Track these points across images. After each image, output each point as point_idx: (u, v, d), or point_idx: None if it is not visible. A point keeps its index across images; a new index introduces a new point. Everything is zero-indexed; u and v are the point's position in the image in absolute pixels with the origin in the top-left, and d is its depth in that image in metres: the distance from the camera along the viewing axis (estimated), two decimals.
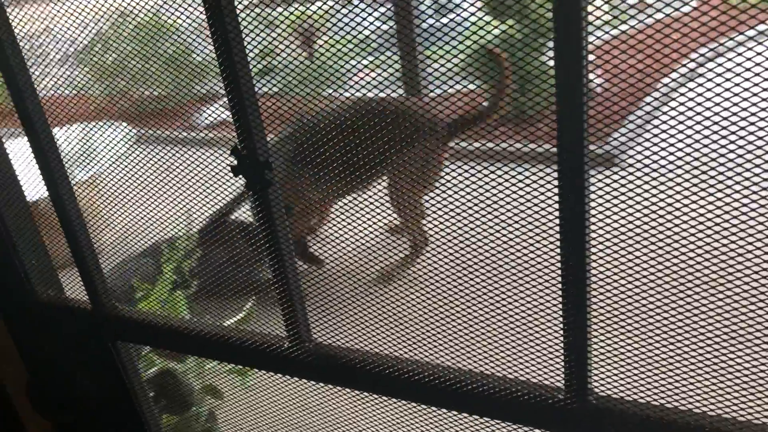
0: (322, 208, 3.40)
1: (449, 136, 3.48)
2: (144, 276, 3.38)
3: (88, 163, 4.01)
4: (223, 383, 2.67)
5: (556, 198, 1.14)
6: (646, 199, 1.25)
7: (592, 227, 1.18)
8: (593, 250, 1.17)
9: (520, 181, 1.35)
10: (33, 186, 1.79)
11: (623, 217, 1.25)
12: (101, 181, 3.87)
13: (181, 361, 2.59)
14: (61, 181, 1.60)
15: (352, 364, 1.49)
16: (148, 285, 2.88)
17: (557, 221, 1.16)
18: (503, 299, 1.42)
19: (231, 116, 1.40)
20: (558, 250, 1.18)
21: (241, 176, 1.44)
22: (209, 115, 5.13)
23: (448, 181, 1.51)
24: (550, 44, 1.05)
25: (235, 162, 1.44)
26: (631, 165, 1.32)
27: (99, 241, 1.79)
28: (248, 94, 1.38)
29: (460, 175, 1.49)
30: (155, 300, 2.82)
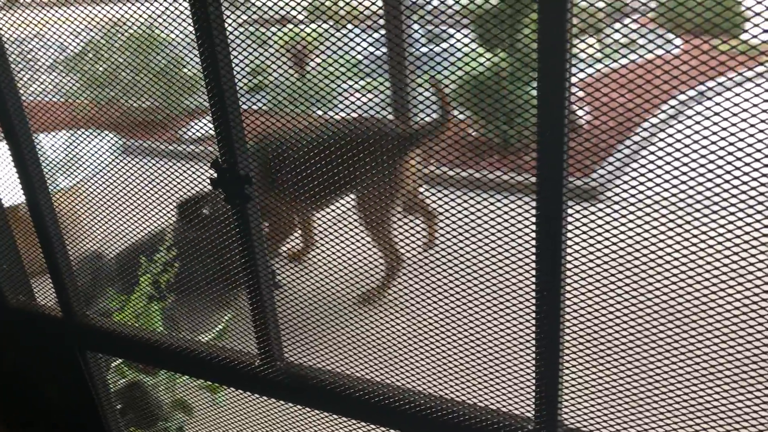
0: (289, 221, 3.46)
1: (404, 151, 3.53)
2: (120, 284, 3.34)
3: (72, 171, 3.98)
4: (193, 399, 2.63)
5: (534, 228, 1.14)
6: (622, 233, 1.24)
7: (569, 258, 1.17)
8: (569, 281, 1.17)
9: (501, 210, 1.35)
10: (9, 191, 1.77)
11: (599, 250, 1.25)
12: (84, 190, 3.83)
13: (152, 374, 2.54)
14: (39, 188, 1.58)
15: (323, 386, 1.47)
16: (124, 296, 2.84)
17: (533, 252, 1.15)
18: (477, 326, 1.41)
19: (213, 129, 1.39)
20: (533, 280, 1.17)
21: (220, 190, 1.43)
22: (196, 129, 5.13)
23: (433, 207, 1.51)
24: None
25: (216, 175, 1.42)
26: (610, 199, 1.32)
27: (76, 249, 1.77)
28: (232, 108, 1.37)
29: (441, 200, 1.48)
30: (130, 312, 2.78)
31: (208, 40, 1.31)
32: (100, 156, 4.01)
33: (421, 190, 3.63)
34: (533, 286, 1.18)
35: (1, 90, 1.52)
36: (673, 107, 4.27)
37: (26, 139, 1.59)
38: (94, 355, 1.75)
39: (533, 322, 1.19)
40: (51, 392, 1.78)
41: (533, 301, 1.18)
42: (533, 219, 1.15)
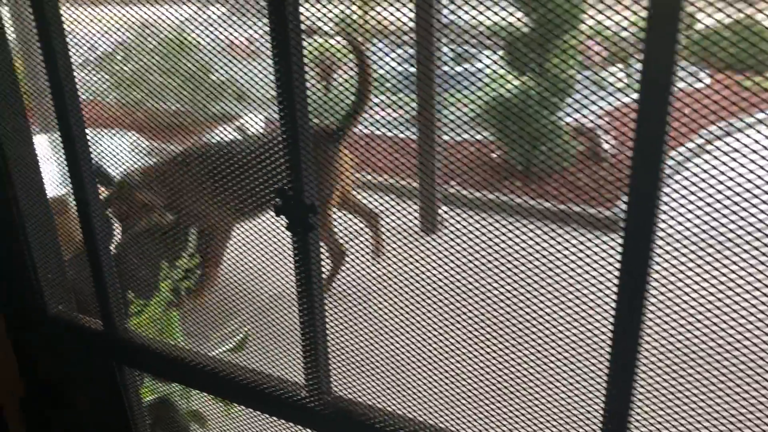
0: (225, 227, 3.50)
1: (336, 141, 3.57)
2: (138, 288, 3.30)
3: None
4: (207, 410, 2.59)
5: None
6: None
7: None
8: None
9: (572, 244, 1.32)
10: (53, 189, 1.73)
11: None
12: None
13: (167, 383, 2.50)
14: (91, 196, 1.54)
15: (372, 424, 1.43)
16: (143, 301, 2.80)
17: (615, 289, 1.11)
18: (547, 373, 1.37)
19: (282, 155, 1.36)
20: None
21: (282, 216, 1.39)
22: (220, 135, 5.08)
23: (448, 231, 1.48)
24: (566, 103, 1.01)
25: (280, 202, 1.39)
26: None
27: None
28: (303, 134, 1.34)
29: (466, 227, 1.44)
30: (148, 317, 2.74)
31: (286, 76, 1.28)
32: (125, 156, 3.97)
33: (354, 192, 3.67)
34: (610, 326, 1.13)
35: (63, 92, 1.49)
36: (696, 140, 4.25)
37: (82, 141, 1.55)
38: (131, 371, 1.71)
39: (606, 373, 1.16)
40: (84, 404, 1.74)
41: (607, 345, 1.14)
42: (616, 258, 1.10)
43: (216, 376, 1.58)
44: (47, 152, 2.17)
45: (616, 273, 1.08)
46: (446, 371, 1.55)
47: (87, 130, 1.78)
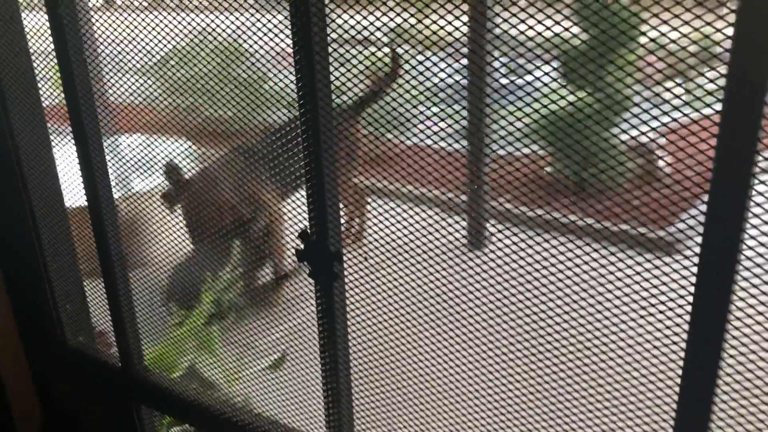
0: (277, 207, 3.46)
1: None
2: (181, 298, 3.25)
3: (149, 175, 3.90)
4: None
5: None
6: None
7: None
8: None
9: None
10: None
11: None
12: (157, 194, 3.75)
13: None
14: (111, 235, 1.46)
15: None
16: (184, 311, 2.74)
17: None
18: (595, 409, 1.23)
19: (307, 198, 1.25)
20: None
21: (305, 263, 1.29)
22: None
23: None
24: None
25: (302, 246, 1.28)
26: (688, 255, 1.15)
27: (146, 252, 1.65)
28: (329, 177, 1.23)
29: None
30: (188, 330, 2.67)
31: (313, 124, 1.17)
32: (176, 162, 3.94)
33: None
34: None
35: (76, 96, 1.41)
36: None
37: (101, 167, 1.47)
38: (149, 411, 1.63)
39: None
40: None
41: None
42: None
43: (235, 425, 1.48)
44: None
45: (686, 299, 0.97)
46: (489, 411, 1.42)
47: (140, 135, 1.73)
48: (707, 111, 1.18)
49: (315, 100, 1.18)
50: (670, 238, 1.33)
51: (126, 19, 1.80)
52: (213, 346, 2.64)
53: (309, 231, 1.27)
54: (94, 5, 1.68)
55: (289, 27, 1.21)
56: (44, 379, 1.72)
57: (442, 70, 1.34)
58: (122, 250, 1.48)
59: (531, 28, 1.16)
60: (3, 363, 1.67)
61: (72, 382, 1.70)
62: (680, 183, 1.14)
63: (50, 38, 1.45)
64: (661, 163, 4.31)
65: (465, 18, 1.39)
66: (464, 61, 1.64)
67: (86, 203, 1.49)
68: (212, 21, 1.68)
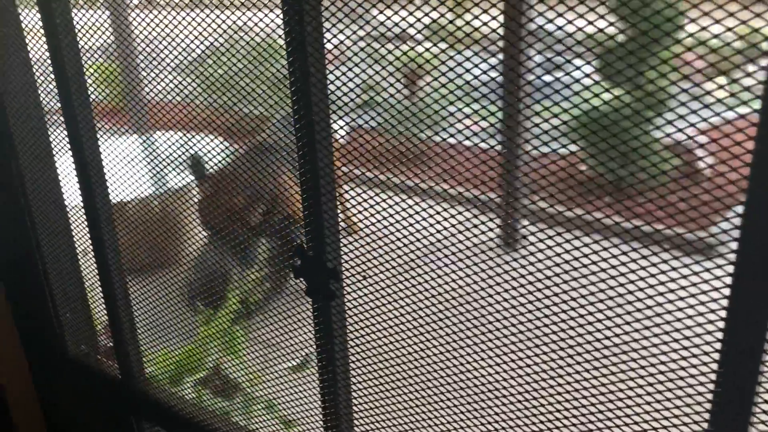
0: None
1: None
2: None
3: (182, 172, 3.87)
4: None
5: None
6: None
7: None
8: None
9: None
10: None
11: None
12: (192, 191, 3.71)
13: None
14: (109, 246, 1.39)
15: None
16: (210, 311, 2.70)
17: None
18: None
19: (303, 213, 1.17)
20: None
21: (301, 279, 1.20)
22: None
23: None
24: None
25: (298, 262, 1.19)
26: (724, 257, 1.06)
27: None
28: (326, 190, 1.14)
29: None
30: (215, 329, 2.63)
31: (309, 134, 1.09)
32: (211, 160, 3.91)
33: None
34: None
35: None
36: None
37: (97, 171, 1.41)
38: (151, 425, 1.57)
39: None
40: None
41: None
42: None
43: None
44: (137, 153, 2.05)
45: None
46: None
47: (175, 134, 1.69)
48: (747, 110, 1.08)
49: (310, 115, 1.09)
50: (709, 241, 1.25)
51: (160, 16, 1.75)
52: (238, 347, 2.58)
53: (305, 246, 1.18)
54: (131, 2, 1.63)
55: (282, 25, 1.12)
56: (46, 389, 1.67)
57: (475, 65, 1.24)
58: (120, 258, 1.42)
59: (570, 22, 1.08)
60: (5, 372, 1.63)
61: (73, 392, 1.65)
62: (718, 184, 1.05)
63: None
64: (700, 163, 4.12)
65: (499, 13, 1.29)
66: (499, 58, 1.54)
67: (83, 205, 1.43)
68: (247, 18, 1.62)
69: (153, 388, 1.50)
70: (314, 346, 1.24)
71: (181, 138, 2.06)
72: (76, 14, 1.45)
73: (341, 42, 1.24)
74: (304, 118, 1.08)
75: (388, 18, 1.16)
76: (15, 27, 1.46)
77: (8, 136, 1.51)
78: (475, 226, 1.40)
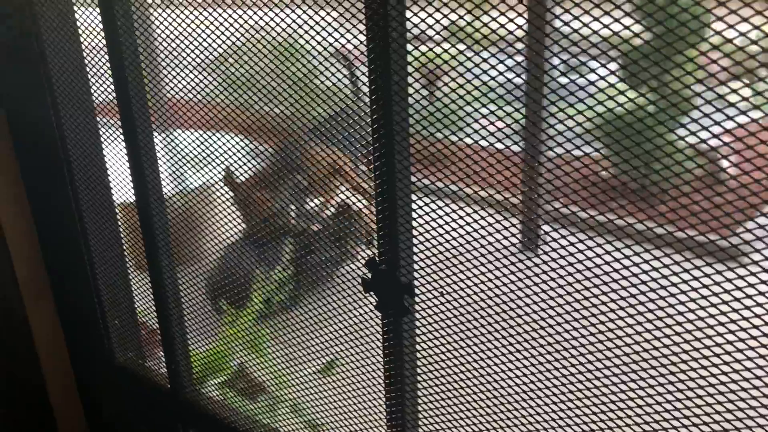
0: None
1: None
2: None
3: (202, 170, 3.80)
4: None
5: None
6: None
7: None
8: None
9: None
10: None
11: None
12: (213, 191, 3.64)
13: None
14: (163, 254, 1.32)
15: None
16: (235, 310, 2.63)
17: None
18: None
19: (377, 223, 1.09)
20: None
21: (372, 293, 1.13)
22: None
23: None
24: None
25: (369, 275, 1.12)
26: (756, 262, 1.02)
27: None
28: (403, 201, 1.07)
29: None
30: (240, 329, 2.57)
31: (387, 144, 1.02)
32: (231, 159, 3.85)
33: None
34: None
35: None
36: None
37: (151, 165, 1.34)
38: None
39: None
40: None
41: None
42: None
43: None
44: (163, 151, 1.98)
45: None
46: None
47: (196, 132, 1.63)
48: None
49: (391, 123, 1.02)
50: (733, 245, 1.20)
51: (182, 15, 1.69)
52: (262, 347, 2.51)
53: (377, 259, 1.11)
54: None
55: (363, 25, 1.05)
56: (91, 395, 1.61)
57: (492, 67, 1.17)
58: (175, 265, 1.35)
59: (597, 19, 1.02)
60: (49, 377, 1.56)
61: (119, 400, 1.58)
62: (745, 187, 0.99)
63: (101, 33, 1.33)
64: (726, 165, 4.04)
65: (523, 13, 1.23)
66: (520, 59, 1.47)
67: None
68: (268, 18, 1.56)
69: (202, 398, 1.44)
70: (382, 363, 1.17)
71: (202, 137, 2.01)
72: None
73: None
74: (383, 127, 1.01)
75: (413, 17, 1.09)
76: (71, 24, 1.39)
77: (58, 122, 1.44)
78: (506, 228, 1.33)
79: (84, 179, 1.46)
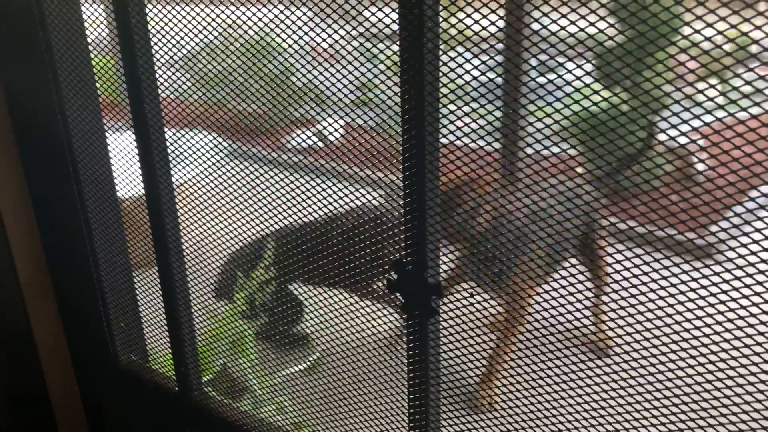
0: None
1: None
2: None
3: (178, 168, 3.72)
4: None
5: None
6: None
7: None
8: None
9: None
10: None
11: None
12: (188, 188, 3.54)
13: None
14: (174, 252, 1.27)
15: None
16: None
17: None
18: None
19: (403, 223, 1.06)
20: None
21: (398, 294, 1.10)
22: (301, 140, 4.84)
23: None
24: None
25: (395, 276, 1.09)
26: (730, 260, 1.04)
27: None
28: (431, 198, 1.04)
29: None
30: (221, 329, 2.51)
31: (417, 127, 0.99)
32: (206, 157, 3.76)
33: None
34: None
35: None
36: None
37: (162, 162, 1.29)
38: None
39: None
40: None
41: None
42: None
43: None
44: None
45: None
46: None
47: (169, 130, 1.57)
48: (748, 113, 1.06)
49: (422, 107, 0.99)
50: (705, 242, 1.22)
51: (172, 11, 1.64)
52: (247, 349, 2.47)
53: (404, 259, 1.08)
54: None
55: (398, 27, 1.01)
56: (94, 399, 1.55)
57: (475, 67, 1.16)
58: (185, 264, 1.30)
59: (572, 23, 1.02)
60: (51, 381, 1.50)
61: (123, 403, 1.52)
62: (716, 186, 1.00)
63: (109, 29, 1.27)
64: (698, 165, 4.08)
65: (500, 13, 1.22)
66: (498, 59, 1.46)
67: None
68: (242, 14, 1.53)
69: (213, 401, 1.39)
70: (405, 366, 1.14)
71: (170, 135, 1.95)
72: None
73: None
74: (414, 119, 0.98)
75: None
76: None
77: (64, 120, 1.38)
78: None
79: (89, 176, 1.40)
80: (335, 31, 1.33)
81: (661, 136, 4.31)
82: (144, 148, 1.28)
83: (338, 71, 1.29)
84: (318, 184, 1.39)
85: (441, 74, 1.02)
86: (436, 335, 1.10)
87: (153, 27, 1.41)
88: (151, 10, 1.35)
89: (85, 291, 1.44)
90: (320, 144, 4.71)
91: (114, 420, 1.54)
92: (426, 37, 0.97)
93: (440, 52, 1.01)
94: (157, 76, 1.40)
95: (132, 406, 1.52)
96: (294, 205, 1.44)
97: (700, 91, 1.04)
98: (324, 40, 1.39)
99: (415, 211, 1.04)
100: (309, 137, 4.68)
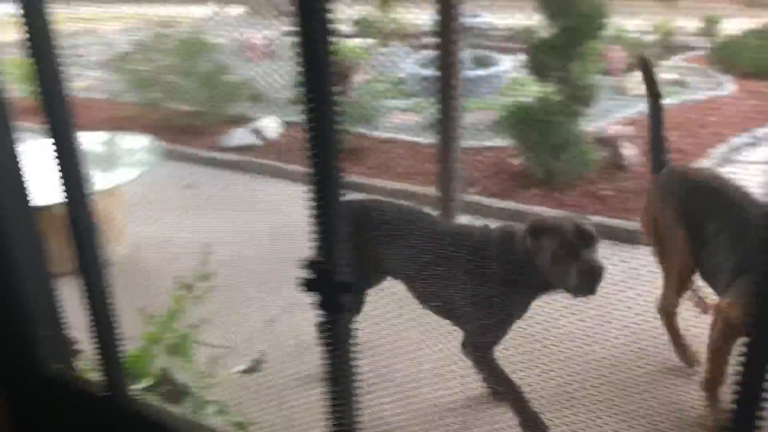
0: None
1: None
2: None
3: (110, 173, 3.65)
4: None
5: None
6: None
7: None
8: None
9: None
10: None
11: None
12: (122, 192, 3.49)
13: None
14: (93, 256, 1.29)
15: None
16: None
17: None
18: None
19: (312, 223, 1.10)
20: None
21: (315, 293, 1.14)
22: (237, 138, 4.82)
23: None
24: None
25: (310, 276, 1.13)
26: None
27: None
28: (333, 198, 1.08)
29: None
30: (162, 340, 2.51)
31: (319, 125, 1.02)
32: (141, 159, 3.71)
33: None
34: None
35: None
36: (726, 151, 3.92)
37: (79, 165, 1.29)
38: None
39: None
40: None
41: None
42: None
43: None
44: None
45: None
46: None
47: (102, 132, 1.54)
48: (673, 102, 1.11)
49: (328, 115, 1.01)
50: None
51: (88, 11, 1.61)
52: (187, 352, 2.47)
53: (316, 259, 1.12)
54: None
55: None
56: (21, 409, 1.55)
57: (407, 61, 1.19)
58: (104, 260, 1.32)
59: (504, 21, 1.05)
60: None
61: (51, 412, 1.53)
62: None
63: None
64: (625, 153, 4.22)
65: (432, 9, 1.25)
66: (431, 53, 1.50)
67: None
68: (180, 14, 1.52)
69: (145, 404, 1.41)
70: (321, 362, 1.18)
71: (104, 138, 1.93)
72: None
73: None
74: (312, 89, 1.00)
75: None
76: None
77: None
78: None
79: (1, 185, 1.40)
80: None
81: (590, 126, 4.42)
82: (60, 152, 1.29)
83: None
84: None
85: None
86: (347, 330, 1.15)
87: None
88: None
89: (6, 299, 1.44)
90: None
91: (43, 429, 1.54)
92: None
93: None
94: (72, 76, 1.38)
95: (61, 415, 1.52)
96: None
97: None
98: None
99: (323, 213, 1.07)
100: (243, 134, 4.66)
